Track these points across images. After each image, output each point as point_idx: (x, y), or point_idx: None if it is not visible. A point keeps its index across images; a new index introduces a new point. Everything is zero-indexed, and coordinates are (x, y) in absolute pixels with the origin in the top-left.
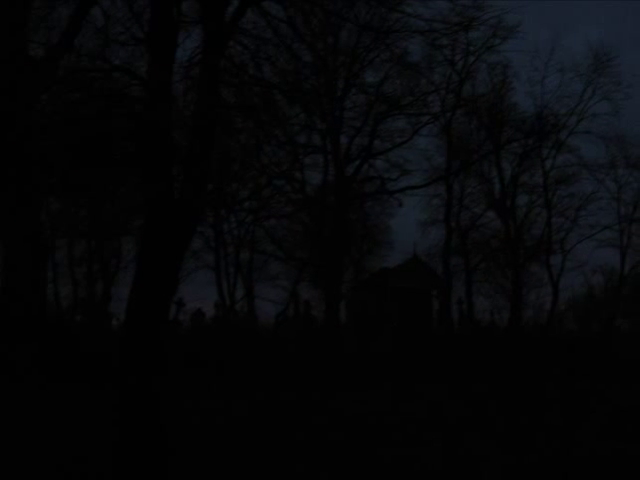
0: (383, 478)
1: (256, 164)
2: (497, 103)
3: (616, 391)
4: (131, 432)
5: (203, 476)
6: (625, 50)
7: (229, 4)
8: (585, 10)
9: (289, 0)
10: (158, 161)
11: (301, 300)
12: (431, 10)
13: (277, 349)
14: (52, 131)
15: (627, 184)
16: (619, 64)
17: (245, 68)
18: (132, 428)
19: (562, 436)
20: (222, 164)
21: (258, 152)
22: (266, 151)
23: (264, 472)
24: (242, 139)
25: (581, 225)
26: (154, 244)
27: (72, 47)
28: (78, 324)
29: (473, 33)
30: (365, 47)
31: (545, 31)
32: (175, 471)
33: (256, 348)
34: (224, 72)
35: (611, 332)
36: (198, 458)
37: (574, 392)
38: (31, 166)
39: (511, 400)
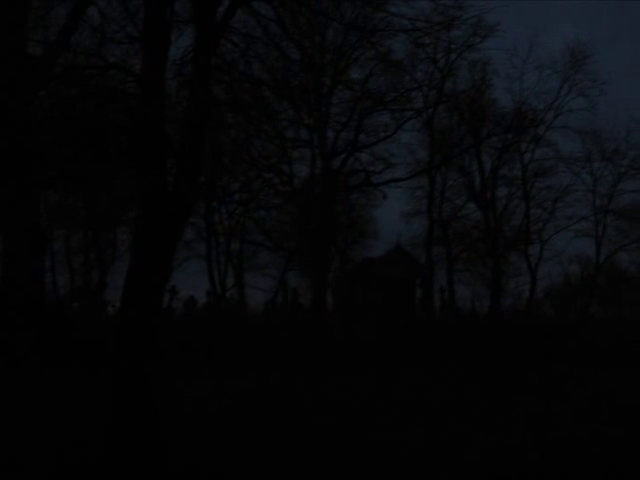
0: (368, 460)
1: (246, 158)
2: (477, 99)
3: (591, 375)
4: (125, 414)
5: (195, 457)
6: (600, 48)
7: (220, 4)
8: (562, 10)
9: (278, 0)
10: (152, 155)
11: (289, 288)
12: (414, 10)
13: (266, 335)
14: (50, 126)
15: (602, 177)
16: (594, 61)
17: (235, 65)
18: (127, 410)
19: (540, 419)
20: (213, 158)
21: (248, 146)
22: (256, 145)
23: (253, 453)
24: (232, 134)
25: (558, 216)
26: (148, 234)
27: (69, 45)
28: (75, 311)
29: (454, 32)
30: (351, 45)
31: (523, 30)
32: (169, 449)
33: (246, 334)
34: (215, 69)
35: (587, 319)
36: (190, 439)
37: (551, 377)
38: (30, 160)
39: (491, 384)
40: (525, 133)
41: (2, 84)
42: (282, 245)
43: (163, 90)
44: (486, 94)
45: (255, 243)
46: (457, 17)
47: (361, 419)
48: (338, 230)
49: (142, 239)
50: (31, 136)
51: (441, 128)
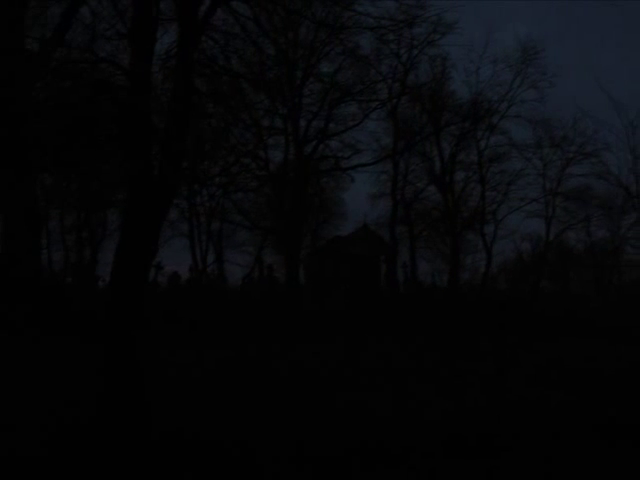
0: (337, 420)
1: (225, 144)
2: (437, 91)
3: (541, 344)
4: (115, 379)
5: (179, 419)
6: (549, 44)
7: (201, 3)
8: (514, 9)
9: (255, 0)
10: (139, 142)
11: (265, 264)
12: (379, 9)
13: (244, 307)
14: (45, 115)
15: (551, 162)
16: (544, 57)
17: (216, 60)
18: (116, 376)
19: (495, 383)
20: (195, 144)
21: (227, 134)
22: (234, 133)
23: (232, 416)
24: (213, 122)
25: (511, 198)
26: (136, 215)
27: (63, 41)
28: (69, 285)
29: (416, 29)
30: (321, 41)
31: (479, 27)
32: (154, 411)
33: (225, 306)
34: (197, 64)
35: (537, 292)
36: (174, 403)
37: (505, 345)
38: (27, 146)
39: (450, 352)
40: (481, 122)
41: (2, 77)
42: (259, 224)
43: (149, 82)
44: (445, 86)
45: (234, 223)
46: (419, 15)
47: (331, 383)
48: (310, 211)
49: (130, 219)
50: (28, 125)
51: (404, 117)
